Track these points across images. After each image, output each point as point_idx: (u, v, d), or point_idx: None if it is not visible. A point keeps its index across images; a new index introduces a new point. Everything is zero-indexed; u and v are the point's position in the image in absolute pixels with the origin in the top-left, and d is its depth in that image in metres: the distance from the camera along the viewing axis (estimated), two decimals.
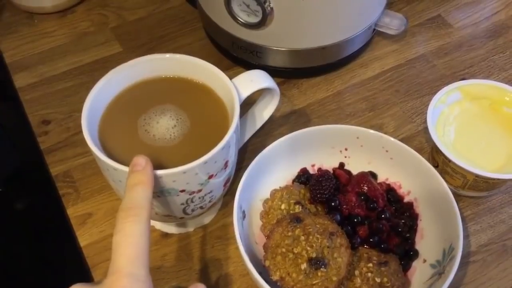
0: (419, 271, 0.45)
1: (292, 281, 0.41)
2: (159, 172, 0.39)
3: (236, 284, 0.47)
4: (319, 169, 0.52)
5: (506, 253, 0.49)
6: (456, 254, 0.42)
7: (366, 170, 0.51)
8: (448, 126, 0.51)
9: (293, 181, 0.51)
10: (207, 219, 0.51)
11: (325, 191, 0.47)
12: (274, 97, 0.50)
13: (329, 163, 0.52)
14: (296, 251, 0.42)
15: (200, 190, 0.42)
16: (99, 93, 0.44)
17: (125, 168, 0.39)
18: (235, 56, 0.62)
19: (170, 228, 0.51)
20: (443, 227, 0.45)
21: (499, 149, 0.49)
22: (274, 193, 0.49)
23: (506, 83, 0.53)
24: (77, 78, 0.63)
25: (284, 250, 0.43)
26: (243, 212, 0.47)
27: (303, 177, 0.51)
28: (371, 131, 0.50)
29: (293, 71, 0.61)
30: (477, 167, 0.47)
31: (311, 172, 0.52)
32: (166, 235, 0.50)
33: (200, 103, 0.46)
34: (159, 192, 0.41)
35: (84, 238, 0.50)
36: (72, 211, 0.52)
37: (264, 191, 0.50)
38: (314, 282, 0.41)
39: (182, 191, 0.41)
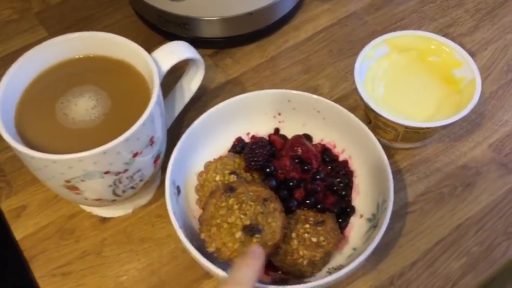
0: (357, 226, 0.46)
1: (228, 251, 0.41)
2: (77, 155, 0.38)
3: (179, 261, 0.47)
4: (253, 137, 0.51)
5: (443, 200, 0.50)
6: (388, 206, 0.42)
7: (301, 133, 0.51)
8: (378, 81, 0.51)
9: (229, 151, 0.51)
10: (144, 199, 0.50)
11: (259, 158, 0.47)
12: (200, 67, 0.49)
13: (264, 130, 0.52)
14: (230, 221, 0.42)
15: (126, 170, 0.41)
16: (11, 81, 0.43)
17: (43, 156, 0.38)
18: (165, 30, 0.60)
19: (108, 212, 0.50)
20: (377, 181, 0.45)
21: (428, 98, 0.49)
22: (208, 165, 0.48)
23: (437, 33, 0.53)
24: (3, 68, 0.60)
25: (218, 221, 0.42)
26: (178, 187, 0.46)
27: (238, 146, 0.50)
28: (301, 92, 0.49)
29: (224, 41, 0.60)
30: (408, 118, 0.47)
31: (247, 140, 0.51)
32: (104, 219, 0.49)
33: (120, 81, 0.45)
34: (82, 176, 0.39)
35: (20, 231, 0.49)
36: (6, 205, 0.50)
37: (199, 164, 0.49)
38: None
39: (107, 172, 0.40)
